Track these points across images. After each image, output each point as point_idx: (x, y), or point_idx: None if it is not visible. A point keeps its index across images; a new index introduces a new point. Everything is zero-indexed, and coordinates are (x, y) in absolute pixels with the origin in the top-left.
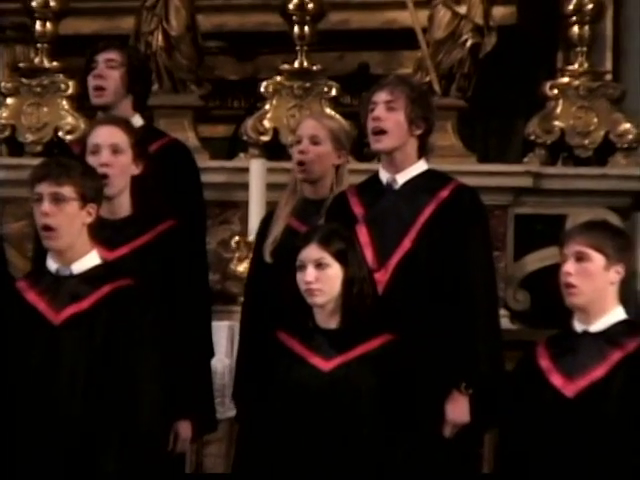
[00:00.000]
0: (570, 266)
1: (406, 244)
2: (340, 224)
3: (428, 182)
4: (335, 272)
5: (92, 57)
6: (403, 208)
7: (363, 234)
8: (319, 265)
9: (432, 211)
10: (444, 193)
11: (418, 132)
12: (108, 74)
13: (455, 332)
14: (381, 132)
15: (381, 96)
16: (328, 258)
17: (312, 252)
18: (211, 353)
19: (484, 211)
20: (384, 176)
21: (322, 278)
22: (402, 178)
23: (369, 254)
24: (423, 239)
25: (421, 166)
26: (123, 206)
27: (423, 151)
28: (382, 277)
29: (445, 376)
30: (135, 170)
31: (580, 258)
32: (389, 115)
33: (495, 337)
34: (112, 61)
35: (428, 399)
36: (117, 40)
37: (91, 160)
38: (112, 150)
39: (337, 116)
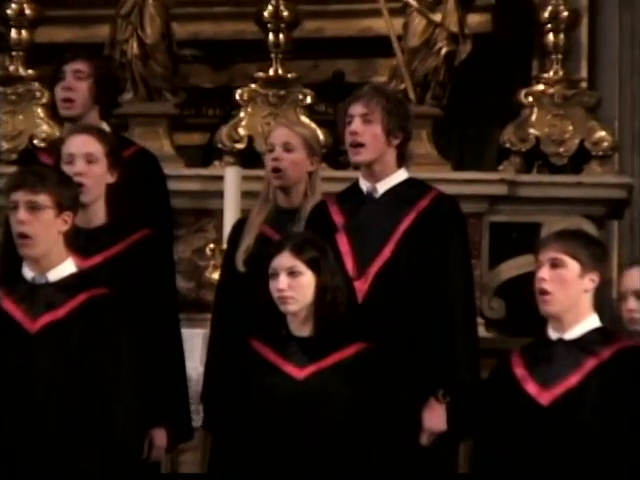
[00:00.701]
0: (545, 272)
1: (386, 253)
2: (313, 233)
3: (408, 191)
4: (308, 280)
5: (59, 68)
6: (383, 217)
7: (343, 243)
8: (292, 273)
9: (412, 220)
10: (424, 202)
11: (396, 142)
12: (76, 86)
13: (434, 340)
14: (359, 145)
15: (357, 109)
16: (301, 266)
17: (285, 260)
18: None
19: (463, 220)
20: (364, 185)
21: (295, 286)
22: (382, 187)
23: (349, 263)
24: (403, 248)
25: (401, 175)
26: (98, 214)
27: (402, 159)
28: (362, 286)
29: (423, 384)
30: (110, 179)
31: (555, 265)
32: (366, 128)
33: (473, 345)
34: (80, 72)
35: (405, 407)
36: (91, 49)
37: (66, 169)
38: (86, 160)
39: (311, 124)
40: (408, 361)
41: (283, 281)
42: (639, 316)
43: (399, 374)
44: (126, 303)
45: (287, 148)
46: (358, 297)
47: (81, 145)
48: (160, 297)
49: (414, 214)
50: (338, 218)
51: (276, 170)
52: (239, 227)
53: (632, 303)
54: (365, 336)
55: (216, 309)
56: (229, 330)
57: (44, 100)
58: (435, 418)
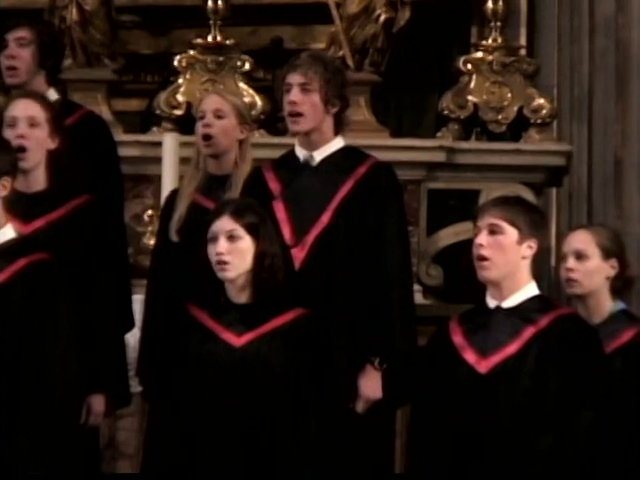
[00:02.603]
0: (483, 238)
1: (323, 221)
2: (253, 199)
3: (345, 159)
4: (247, 245)
5: (2, 36)
6: (321, 185)
7: (280, 210)
8: (231, 237)
9: (349, 188)
10: (361, 170)
11: (334, 110)
12: (19, 53)
13: (370, 308)
14: (298, 115)
15: (295, 78)
16: (240, 230)
17: (224, 224)
18: (131, 325)
19: (400, 189)
20: (301, 153)
21: (233, 251)
22: (319, 155)
23: (286, 230)
24: (340, 216)
25: (338, 143)
26: (38, 180)
27: (339, 127)
28: (299, 253)
29: (359, 352)
30: (51, 144)
31: (493, 231)
32: (304, 98)
33: (410, 313)
34: (22, 39)
35: (342, 374)
36: (31, 15)
37: (8, 133)
38: (29, 123)
39: (249, 90)
40: (345, 329)
41: (222, 245)
42: (576, 276)
43: (336, 341)
44: (66, 268)
45: (218, 115)
46: (295, 264)
47: (24, 109)
48: (103, 262)
49: (352, 182)
50: (274, 185)
51: (206, 137)
52: (172, 197)
53: (571, 262)
54: (302, 303)
55: (151, 277)
56: (165, 297)
57: None
58: (371, 386)
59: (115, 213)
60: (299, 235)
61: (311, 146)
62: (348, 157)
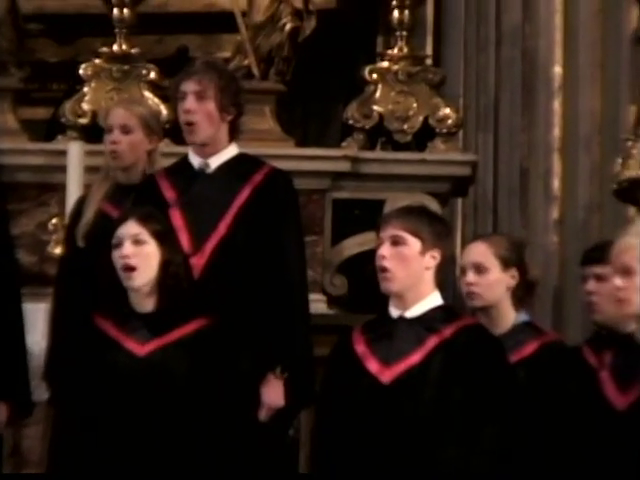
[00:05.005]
0: (385, 250)
1: (222, 229)
2: (156, 209)
3: (241, 166)
4: (152, 250)
5: None
6: (217, 192)
7: (177, 218)
8: (137, 241)
9: (247, 195)
10: (258, 177)
11: (229, 118)
12: None
13: (270, 317)
14: (193, 124)
15: (190, 86)
16: (146, 235)
17: (130, 228)
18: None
19: (297, 196)
20: (195, 160)
21: (139, 254)
22: (215, 162)
23: (184, 238)
24: (239, 224)
25: (232, 150)
26: None
27: (233, 134)
28: (198, 261)
29: (261, 360)
30: None
31: (396, 242)
32: (199, 106)
33: (308, 322)
34: None
35: (244, 383)
36: None
37: None
38: None
39: (154, 99)
40: (246, 337)
41: (127, 248)
42: (477, 290)
43: (238, 350)
44: None
45: (125, 130)
46: (194, 273)
47: None
48: None
49: (249, 189)
50: (169, 193)
51: (114, 153)
52: (80, 203)
53: (470, 276)
54: (204, 312)
55: (58, 284)
56: (71, 305)
57: None
58: (273, 394)
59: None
60: (197, 243)
61: (206, 153)
62: (244, 164)
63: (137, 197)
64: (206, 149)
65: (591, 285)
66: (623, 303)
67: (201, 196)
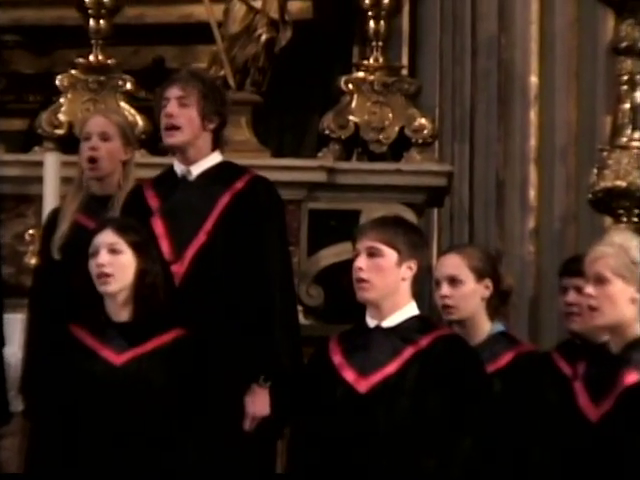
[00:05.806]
0: (362, 261)
1: (202, 236)
2: (135, 220)
3: (223, 173)
4: (128, 260)
5: None
6: (198, 200)
7: (159, 226)
8: (113, 250)
9: (227, 202)
10: (239, 184)
11: (211, 126)
12: None
13: (253, 325)
14: (173, 128)
15: (173, 92)
16: (122, 245)
17: (107, 237)
18: (2, 343)
19: (280, 203)
20: (178, 168)
21: (115, 263)
22: (196, 170)
23: (165, 246)
24: (219, 231)
25: (215, 158)
26: None
27: (217, 144)
28: (179, 269)
29: (244, 369)
30: None
31: (372, 254)
32: (181, 111)
33: (294, 330)
34: None
35: (225, 393)
36: None
37: None
38: None
39: (130, 110)
40: (227, 346)
41: (103, 257)
42: (451, 302)
43: (219, 360)
44: None
45: (104, 137)
46: (175, 281)
47: None
48: None
49: (229, 196)
50: (153, 202)
51: (92, 160)
52: (54, 215)
53: (445, 289)
54: (183, 321)
55: (32, 295)
56: (46, 316)
57: None
58: (258, 403)
59: None
60: (178, 250)
61: (188, 161)
62: (225, 171)
63: (124, 207)
64: (188, 157)
65: (572, 297)
66: (594, 312)
67: (183, 203)
